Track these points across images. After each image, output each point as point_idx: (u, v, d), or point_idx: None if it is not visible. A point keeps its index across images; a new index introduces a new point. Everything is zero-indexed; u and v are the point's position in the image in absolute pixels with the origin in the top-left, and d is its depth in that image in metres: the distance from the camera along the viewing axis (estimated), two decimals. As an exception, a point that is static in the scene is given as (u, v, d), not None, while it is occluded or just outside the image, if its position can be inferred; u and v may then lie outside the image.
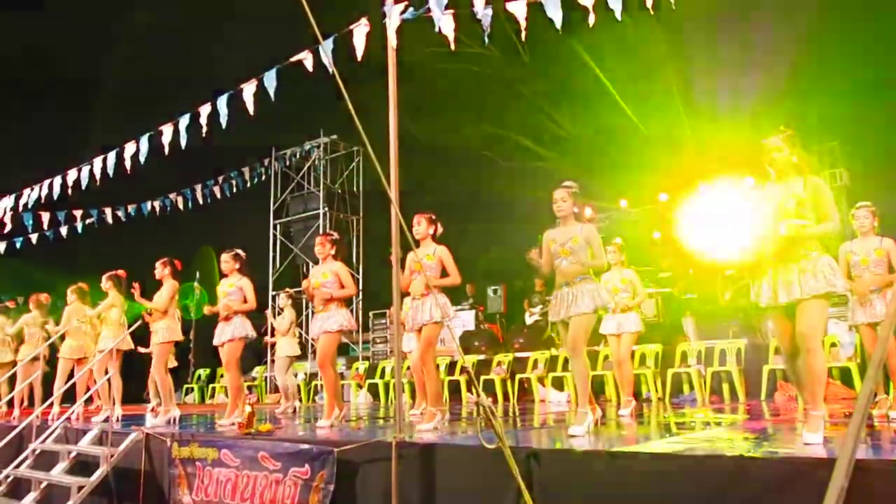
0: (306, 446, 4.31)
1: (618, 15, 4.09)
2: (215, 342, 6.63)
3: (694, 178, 15.01)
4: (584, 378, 4.59)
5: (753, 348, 8.56)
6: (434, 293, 5.33)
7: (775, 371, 8.04)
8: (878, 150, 16.07)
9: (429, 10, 4.25)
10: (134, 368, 8.98)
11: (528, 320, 12.01)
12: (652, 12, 4.31)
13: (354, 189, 15.77)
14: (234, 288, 6.56)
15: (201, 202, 11.01)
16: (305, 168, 15.69)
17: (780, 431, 4.43)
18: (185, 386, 14.18)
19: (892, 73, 14.39)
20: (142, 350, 8.16)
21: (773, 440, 3.91)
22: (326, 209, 14.93)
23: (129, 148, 6.05)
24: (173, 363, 6.96)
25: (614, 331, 6.59)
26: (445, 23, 4.28)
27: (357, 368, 12.31)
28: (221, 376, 12.94)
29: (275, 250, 15.54)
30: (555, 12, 4.12)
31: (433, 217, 5.61)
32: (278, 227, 15.72)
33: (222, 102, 5.22)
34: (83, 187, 6.66)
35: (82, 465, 5.74)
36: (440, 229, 5.66)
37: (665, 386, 8.64)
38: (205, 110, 5.42)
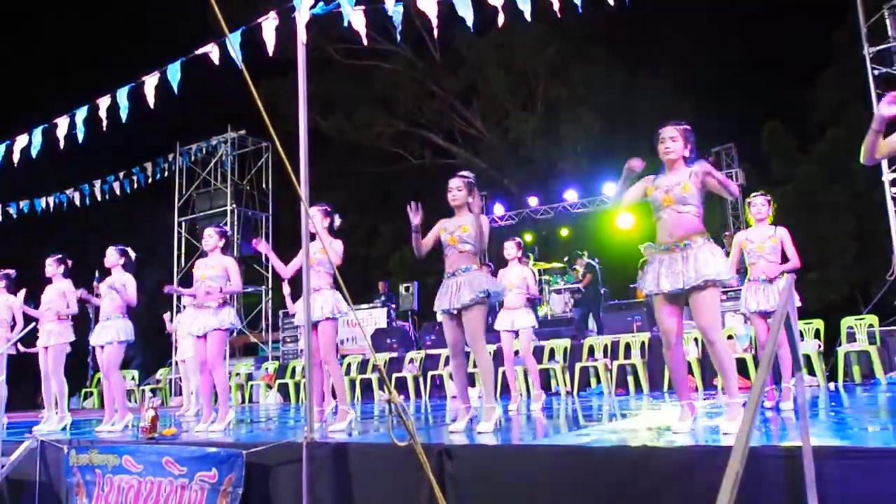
0: (213, 449, 4.18)
1: (527, 16, 4.14)
2: (93, 342, 6.20)
3: (599, 177, 15.51)
4: (490, 372, 4.51)
5: (656, 342, 8.92)
6: (328, 288, 5.20)
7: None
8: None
9: (339, 5, 4.18)
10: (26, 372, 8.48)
11: (440, 317, 12.07)
12: (559, 15, 4.38)
13: (264, 186, 15.41)
14: (118, 285, 6.15)
15: (99, 198, 10.47)
16: (212, 164, 15.20)
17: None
18: (84, 390, 13.51)
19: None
20: (28, 350, 7.71)
21: (675, 430, 4.07)
22: (234, 206, 14.52)
23: (21, 141, 5.67)
24: None
25: (508, 327, 6.69)
26: (356, 18, 4.23)
27: (266, 368, 12.05)
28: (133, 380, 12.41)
29: (179, 249, 14.99)
30: (466, 11, 4.14)
31: (328, 209, 5.39)
32: (183, 224, 15.17)
33: (122, 95, 4.98)
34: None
35: (-32, 479, 5.36)
36: (337, 221, 5.47)
37: (573, 380, 8.88)
38: (104, 102, 5.15)
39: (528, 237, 15.87)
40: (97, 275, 6.48)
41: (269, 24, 4.42)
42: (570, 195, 15.49)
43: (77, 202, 10.02)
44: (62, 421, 6.33)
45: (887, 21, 8.63)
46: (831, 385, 7.43)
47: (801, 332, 7.77)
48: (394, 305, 13.20)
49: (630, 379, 8.66)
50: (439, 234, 4.66)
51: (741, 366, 7.71)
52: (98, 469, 4.66)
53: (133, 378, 12.58)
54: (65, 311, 6.45)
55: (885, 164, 8.21)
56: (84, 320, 13.70)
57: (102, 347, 6.11)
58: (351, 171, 21.74)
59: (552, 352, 9.31)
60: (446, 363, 9.90)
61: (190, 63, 4.80)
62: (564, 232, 16.70)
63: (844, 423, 4.04)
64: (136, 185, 11.46)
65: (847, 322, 8.02)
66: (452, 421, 4.58)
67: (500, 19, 4.16)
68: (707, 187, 3.76)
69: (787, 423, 4.04)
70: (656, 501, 2.94)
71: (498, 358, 9.45)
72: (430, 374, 9.97)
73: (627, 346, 8.91)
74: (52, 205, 9.62)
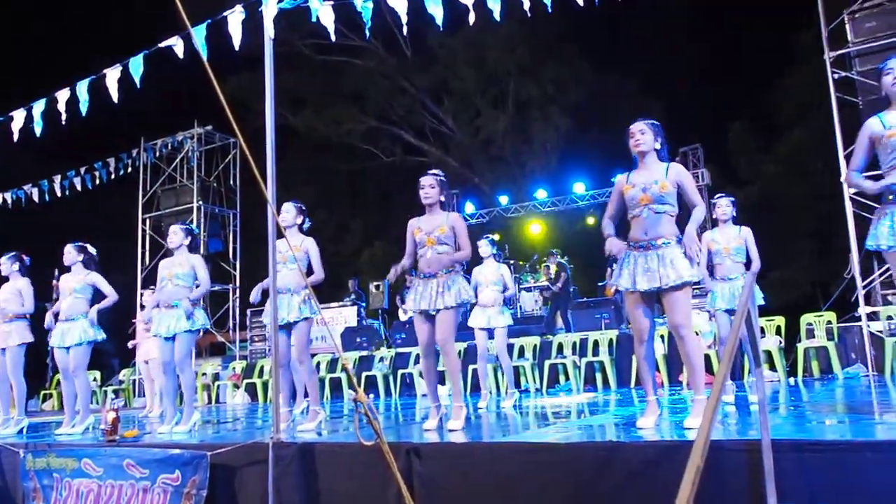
0: (177, 451, 4.11)
1: (497, 15, 4.15)
2: (54, 343, 6.01)
3: (569, 176, 15.64)
4: (457, 372, 4.52)
5: (624, 339, 9.01)
6: (302, 288, 5.18)
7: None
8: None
9: (307, 0, 4.15)
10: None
11: (403, 317, 12.05)
12: (529, 14, 4.39)
13: (231, 182, 15.23)
14: (83, 284, 6.03)
15: (59, 195, 10.19)
16: (178, 160, 14.97)
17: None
18: (43, 392, 13.23)
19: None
20: None
21: (641, 425, 4.11)
22: (201, 203, 14.33)
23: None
24: None
25: (484, 324, 6.72)
26: (324, 13, 4.20)
27: (233, 368, 11.91)
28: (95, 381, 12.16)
29: (143, 246, 14.75)
30: (435, 9, 4.13)
31: (302, 207, 5.41)
32: (148, 221, 14.92)
33: (82, 88, 4.88)
34: None
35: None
36: (307, 222, 5.48)
37: (542, 377, 8.93)
38: (63, 95, 5.04)
39: (498, 235, 15.93)
40: (56, 273, 6.33)
41: (235, 18, 4.36)
42: (541, 194, 15.57)
43: (36, 198, 9.76)
44: (19, 424, 6.18)
45: (847, 26, 8.82)
46: (791, 380, 7.58)
47: (762, 329, 7.91)
48: (364, 304, 13.15)
49: (598, 376, 8.74)
50: (414, 234, 4.63)
51: (706, 362, 7.83)
52: (56, 473, 4.55)
53: (95, 379, 12.35)
54: (20, 311, 6.27)
55: (843, 165, 8.38)
56: (42, 320, 13.39)
57: (68, 349, 5.94)
58: (321, 168, 21.60)
59: (522, 349, 9.36)
60: (416, 361, 9.88)
61: (154, 56, 4.72)
62: (535, 230, 16.80)
63: (803, 416, 4.12)
64: (98, 181, 11.19)
65: (806, 319, 8.18)
66: (423, 419, 4.57)
67: (471, 18, 4.15)
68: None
69: (748, 417, 4.10)
70: (622, 495, 2.97)
71: (470, 355, 9.51)
72: (400, 372, 9.95)
73: (596, 344, 8.99)
74: (9, 201, 9.35)
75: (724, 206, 5.49)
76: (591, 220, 16.05)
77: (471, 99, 20.95)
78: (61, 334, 5.96)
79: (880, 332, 7.72)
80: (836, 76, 8.75)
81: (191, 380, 5.63)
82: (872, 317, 8.04)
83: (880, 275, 8.44)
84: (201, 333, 5.78)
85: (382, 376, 9.98)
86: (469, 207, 16.21)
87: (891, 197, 3.36)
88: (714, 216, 5.60)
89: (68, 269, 6.15)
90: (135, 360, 12.37)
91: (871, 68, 8.39)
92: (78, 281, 6.04)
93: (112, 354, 14.45)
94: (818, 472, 2.61)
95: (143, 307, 9.42)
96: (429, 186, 4.55)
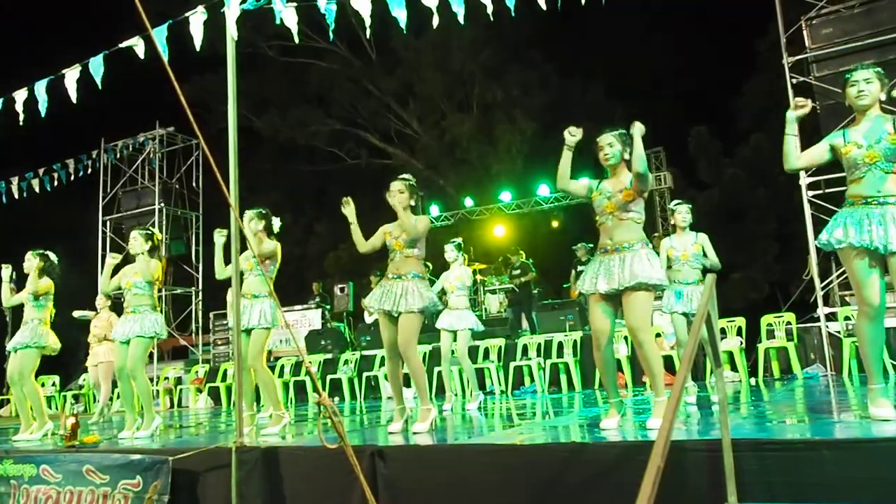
0: (138, 457, 4.04)
1: (461, 18, 4.15)
2: (7, 347, 5.96)
3: (533, 179, 15.75)
4: (422, 375, 4.55)
5: (589, 340, 9.09)
6: (267, 296, 5.14)
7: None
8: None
9: (270, 1, 4.11)
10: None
11: (368, 319, 11.99)
12: (492, 18, 4.41)
13: (194, 184, 15.02)
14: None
15: (17, 197, 9.93)
16: (139, 161, 14.73)
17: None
18: (1, 398, 12.88)
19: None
20: None
21: (604, 426, 4.15)
22: (162, 205, 14.11)
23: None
24: None
25: (447, 326, 6.76)
26: (288, 15, 4.16)
27: (196, 372, 11.74)
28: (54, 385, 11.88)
29: (104, 249, 14.46)
30: (399, 12, 4.12)
31: (262, 211, 5.34)
32: (108, 223, 14.65)
33: (41, 88, 4.77)
34: None
35: None
36: (276, 223, 5.42)
37: (508, 378, 8.97)
38: (20, 96, 4.92)
39: (458, 239, 15.94)
40: (14, 277, 6.19)
41: (196, 19, 4.30)
42: (505, 196, 15.66)
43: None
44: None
45: (804, 32, 9.02)
46: (752, 380, 7.72)
47: (723, 329, 8.05)
48: (328, 306, 13.07)
49: (563, 377, 8.80)
50: (384, 237, 4.66)
51: (668, 362, 7.93)
52: (13, 480, 4.45)
53: (54, 384, 12.08)
54: None
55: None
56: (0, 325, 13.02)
57: (16, 352, 5.83)
58: (285, 171, 21.42)
59: (486, 351, 9.38)
60: (381, 364, 9.84)
61: (115, 56, 4.63)
62: (499, 232, 16.87)
63: (763, 416, 4.20)
64: (57, 183, 10.94)
65: (767, 320, 8.34)
66: (389, 422, 4.57)
67: (435, 21, 4.15)
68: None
69: (709, 417, 4.17)
70: (585, 496, 3.00)
71: (435, 358, 9.50)
72: (365, 375, 9.91)
73: (560, 345, 9.05)
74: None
75: (685, 212, 5.61)
76: (555, 223, 16.20)
77: (436, 102, 20.94)
78: (13, 338, 5.87)
79: (838, 332, 7.90)
80: (794, 81, 8.94)
81: (145, 385, 5.48)
82: (831, 317, 8.23)
83: (838, 276, 8.64)
84: (157, 341, 5.71)
85: (347, 379, 9.92)
86: (434, 210, 16.23)
87: (849, 200, 3.44)
88: (672, 222, 5.71)
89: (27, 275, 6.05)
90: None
91: (829, 73, 8.61)
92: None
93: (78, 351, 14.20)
94: (778, 470, 2.66)
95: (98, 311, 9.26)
96: (397, 191, 4.56)
